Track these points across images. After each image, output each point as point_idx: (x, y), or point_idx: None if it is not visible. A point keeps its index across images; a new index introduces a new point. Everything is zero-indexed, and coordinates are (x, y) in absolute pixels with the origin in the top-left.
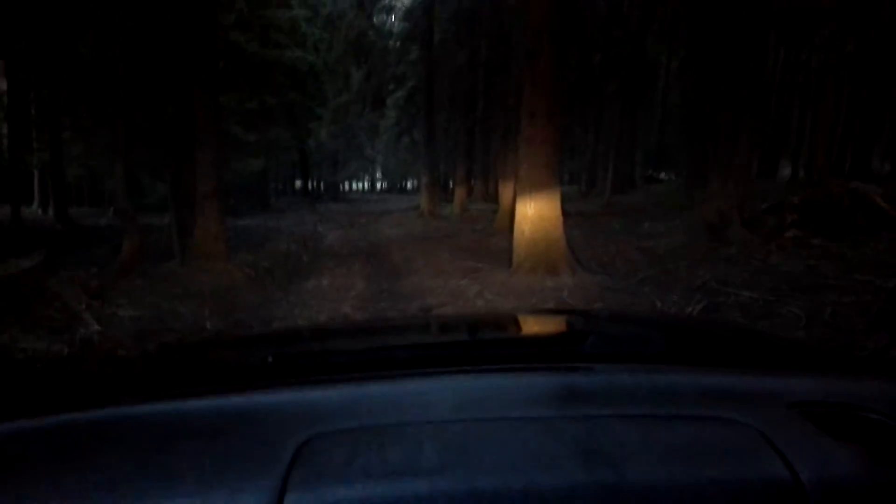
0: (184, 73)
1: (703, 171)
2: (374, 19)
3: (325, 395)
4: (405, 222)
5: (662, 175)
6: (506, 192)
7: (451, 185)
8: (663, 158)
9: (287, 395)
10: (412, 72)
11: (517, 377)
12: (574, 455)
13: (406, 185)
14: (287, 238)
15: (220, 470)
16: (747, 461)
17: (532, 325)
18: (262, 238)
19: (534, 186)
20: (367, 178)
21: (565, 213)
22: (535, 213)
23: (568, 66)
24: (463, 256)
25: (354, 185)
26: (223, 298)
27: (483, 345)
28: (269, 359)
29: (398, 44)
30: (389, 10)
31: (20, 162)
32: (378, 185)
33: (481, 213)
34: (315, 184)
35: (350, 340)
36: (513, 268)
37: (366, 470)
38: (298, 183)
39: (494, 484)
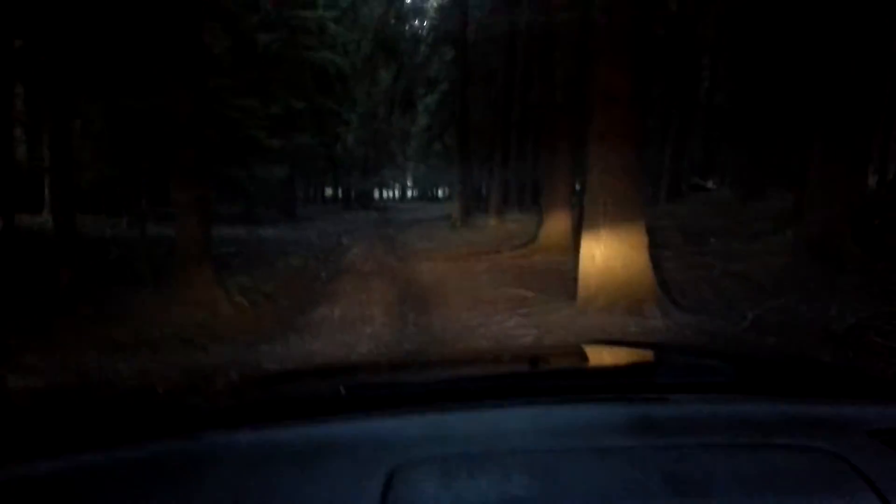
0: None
1: (757, 179)
2: (404, 20)
3: (408, 423)
4: (436, 234)
5: (710, 183)
6: (552, 203)
7: (484, 193)
8: (708, 165)
9: (368, 423)
10: (444, 74)
11: (592, 407)
12: (663, 484)
13: (437, 193)
14: (306, 251)
15: (313, 499)
16: (837, 490)
17: (602, 357)
18: (277, 251)
19: (610, 198)
20: (397, 185)
21: None
22: (611, 233)
23: None
24: (506, 280)
25: (385, 193)
26: (192, 344)
27: (556, 375)
28: (342, 390)
29: (429, 44)
30: (420, 10)
31: (24, 166)
32: (409, 193)
33: (519, 223)
34: (345, 191)
35: (416, 372)
36: (579, 302)
37: (460, 498)
38: (329, 191)
39: None
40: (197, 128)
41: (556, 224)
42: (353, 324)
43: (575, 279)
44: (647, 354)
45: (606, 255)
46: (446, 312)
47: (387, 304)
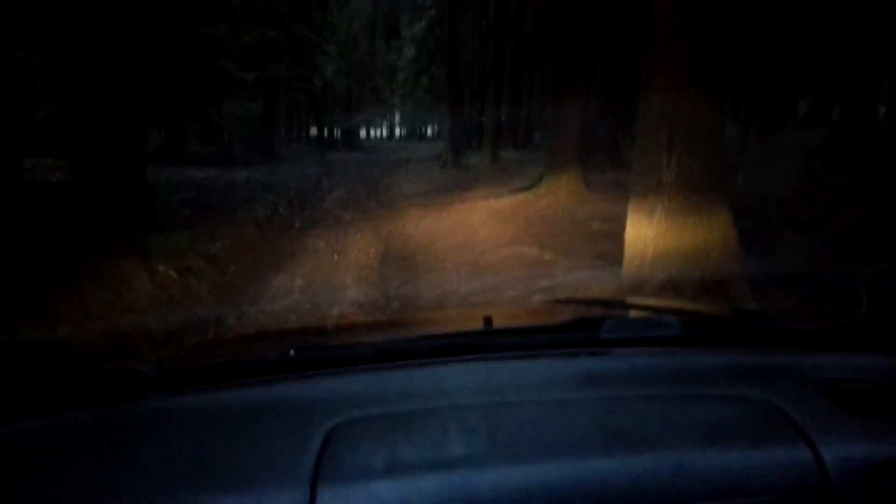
0: None
1: (774, 110)
2: None
3: (348, 383)
4: (425, 174)
5: None
6: (560, 137)
7: (475, 130)
8: None
9: (311, 384)
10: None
11: (535, 362)
12: (601, 437)
13: (426, 131)
14: (277, 197)
15: (250, 459)
16: (768, 438)
17: (548, 315)
18: (245, 197)
19: (678, 127)
20: (385, 124)
21: (622, 163)
22: (679, 179)
23: None
24: (512, 233)
25: (372, 133)
26: (65, 349)
27: (501, 333)
28: (291, 352)
29: None
30: None
31: None
32: (397, 132)
33: (516, 162)
34: (329, 131)
35: (368, 333)
36: (627, 273)
37: (395, 455)
38: (314, 131)
39: (522, 466)
40: (111, 42)
41: (565, 162)
42: (317, 299)
43: (603, 233)
44: (594, 310)
45: (672, 208)
46: (440, 283)
47: (364, 269)
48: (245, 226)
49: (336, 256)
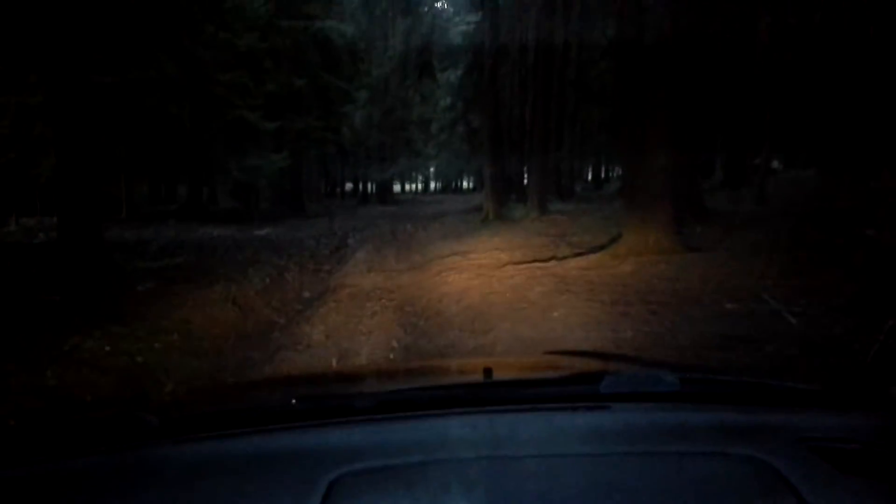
0: None
1: (850, 153)
2: None
3: (350, 434)
4: (465, 231)
5: (774, 163)
6: (642, 184)
7: (515, 182)
8: (764, 139)
9: (313, 434)
10: (468, 43)
11: (535, 416)
12: (596, 494)
13: (462, 184)
14: (288, 259)
15: None
16: (762, 497)
17: (548, 367)
18: (249, 259)
19: None
20: (420, 177)
21: (706, 214)
22: None
23: None
24: (606, 318)
25: (407, 186)
26: None
27: (501, 385)
28: (293, 401)
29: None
30: None
31: None
32: (432, 186)
33: (568, 216)
34: (363, 185)
35: (370, 382)
36: None
37: None
38: (350, 186)
39: None
40: None
41: (650, 215)
42: None
43: (743, 320)
44: (592, 364)
45: None
46: None
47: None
48: (223, 305)
49: (336, 362)
